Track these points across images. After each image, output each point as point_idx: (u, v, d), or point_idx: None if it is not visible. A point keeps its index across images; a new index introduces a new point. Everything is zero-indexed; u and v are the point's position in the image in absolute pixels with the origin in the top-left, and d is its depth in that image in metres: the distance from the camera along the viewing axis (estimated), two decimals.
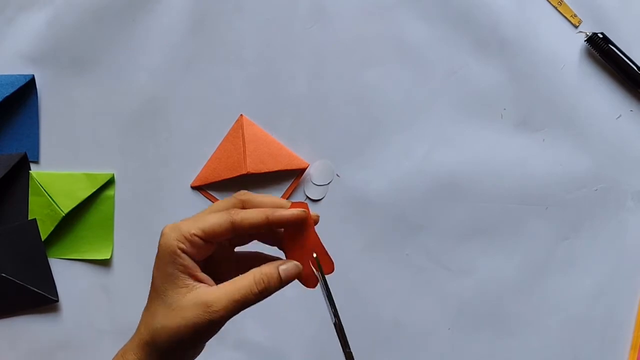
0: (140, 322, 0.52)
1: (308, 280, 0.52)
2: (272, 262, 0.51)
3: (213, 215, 0.50)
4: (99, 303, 0.76)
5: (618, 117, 0.74)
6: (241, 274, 0.53)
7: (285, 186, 0.76)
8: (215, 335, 0.76)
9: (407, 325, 0.75)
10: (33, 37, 0.75)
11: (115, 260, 0.76)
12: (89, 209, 0.76)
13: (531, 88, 0.74)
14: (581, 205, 0.74)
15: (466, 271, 0.75)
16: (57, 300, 0.76)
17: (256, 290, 0.49)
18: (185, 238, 0.49)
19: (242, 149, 0.74)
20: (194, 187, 0.76)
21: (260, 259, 0.54)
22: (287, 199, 0.75)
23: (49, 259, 0.76)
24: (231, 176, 0.74)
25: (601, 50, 0.73)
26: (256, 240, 0.55)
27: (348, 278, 0.75)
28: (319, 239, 0.52)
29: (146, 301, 0.52)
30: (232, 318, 0.76)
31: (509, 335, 0.74)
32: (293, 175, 0.76)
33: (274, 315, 0.75)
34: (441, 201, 0.75)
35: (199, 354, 0.53)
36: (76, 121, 0.76)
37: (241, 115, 0.75)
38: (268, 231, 0.53)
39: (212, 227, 0.50)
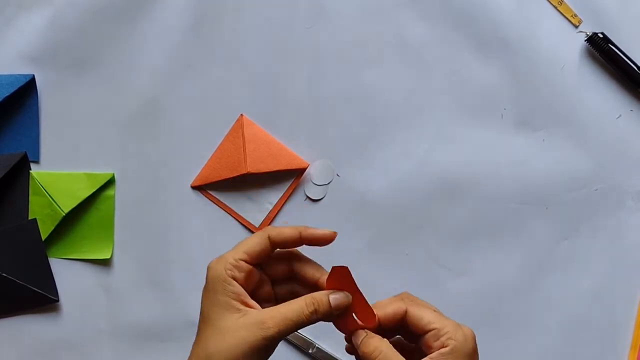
0: (190, 356, 0.52)
1: (347, 328, 0.53)
2: (322, 290, 0.53)
3: (250, 237, 0.53)
4: (99, 303, 0.76)
5: (618, 117, 0.74)
6: None
7: (286, 186, 0.76)
8: None
9: None
10: (33, 37, 0.75)
11: (115, 260, 0.77)
12: (89, 209, 0.76)
13: (531, 88, 0.74)
14: (581, 205, 0.74)
15: (466, 271, 0.75)
16: (58, 300, 0.76)
17: (307, 312, 0.51)
18: (233, 265, 0.51)
19: (242, 149, 0.74)
20: (194, 187, 0.76)
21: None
22: (287, 198, 0.76)
23: (49, 258, 0.76)
24: (231, 176, 0.74)
25: (601, 50, 0.73)
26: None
27: None
28: (362, 296, 0.53)
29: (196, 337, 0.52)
30: None
31: (509, 335, 0.74)
32: (293, 175, 0.76)
33: None
34: (441, 201, 0.75)
35: None
36: (76, 121, 0.76)
37: (241, 114, 0.75)
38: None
39: (253, 247, 0.52)
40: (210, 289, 0.51)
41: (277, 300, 0.56)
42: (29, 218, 0.75)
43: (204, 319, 0.52)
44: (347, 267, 0.52)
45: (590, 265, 0.74)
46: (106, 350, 0.76)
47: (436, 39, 0.74)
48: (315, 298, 0.51)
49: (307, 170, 0.75)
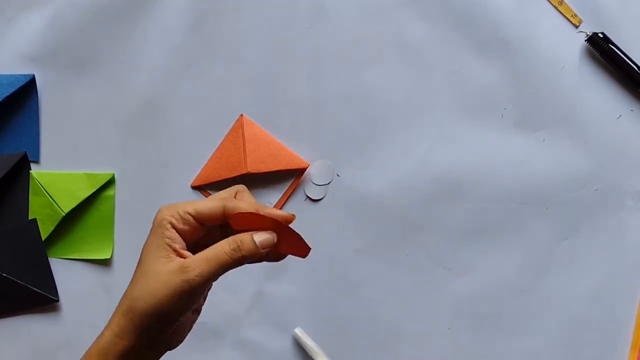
0: (122, 297, 0.52)
1: (299, 251, 0.53)
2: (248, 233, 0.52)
3: (209, 199, 0.53)
4: (100, 303, 0.76)
5: (618, 117, 0.74)
6: None
7: (286, 186, 0.76)
8: (215, 335, 0.77)
9: (407, 325, 0.75)
10: (33, 37, 0.75)
11: (115, 260, 0.77)
12: (89, 209, 0.76)
13: (531, 88, 0.74)
14: (581, 205, 0.74)
15: (466, 271, 0.75)
16: (58, 300, 0.76)
17: (228, 249, 0.50)
18: (179, 214, 0.51)
19: (243, 149, 0.74)
20: (194, 187, 0.76)
21: None
22: (287, 198, 0.76)
23: (49, 258, 0.76)
24: (231, 176, 0.74)
25: (601, 50, 0.73)
26: None
27: (348, 278, 0.75)
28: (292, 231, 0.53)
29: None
30: (230, 318, 0.76)
31: (509, 335, 0.74)
32: (293, 175, 0.76)
33: (274, 315, 0.75)
34: (441, 201, 0.75)
35: (181, 338, 0.53)
36: (76, 121, 0.76)
37: (241, 114, 0.75)
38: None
39: (205, 210, 0.51)
40: (151, 232, 0.51)
41: None
42: (29, 218, 0.75)
43: (139, 261, 0.52)
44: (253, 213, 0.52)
45: (590, 265, 0.74)
46: None
47: (436, 39, 0.74)
48: (237, 237, 0.51)
49: (307, 170, 0.75)
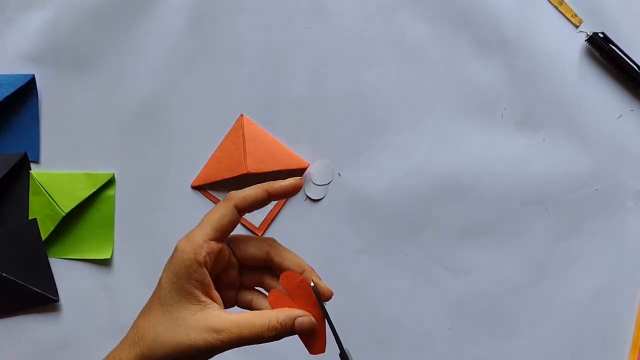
0: (135, 328, 0.52)
1: (313, 347, 0.53)
2: (290, 311, 0.51)
3: (215, 208, 0.52)
4: (100, 303, 0.76)
5: (619, 117, 0.74)
6: (244, 298, 0.55)
7: None
8: None
9: (407, 325, 0.75)
10: (33, 37, 0.75)
11: (115, 260, 0.77)
12: (90, 209, 0.76)
13: (531, 88, 0.74)
14: (581, 205, 0.74)
15: (466, 271, 0.75)
16: (58, 300, 0.76)
17: (266, 336, 0.50)
18: (202, 248, 0.50)
19: (243, 149, 0.74)
20: (194, 187, 0.76)
21: (267, 283, 0.55)
22: (287, 198, 0.76)
23: (49, 258, 0.76)
24: (231, 176, 0.74)
25: (602, 50, 0.73)
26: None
27: (348, 278, 0.75)
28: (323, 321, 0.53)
29: (145, 306, 0.52)
30: None
31: (509, 335, 0.75)
32: (293, 175, 0.76)
33: None
34: (441, 201, 0.75)
35: None
36: (76, 121, 0.76)
37: (241, 114, 0.75)
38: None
39: (220, 221, 0.51)
40: (174, 272, 0.50)
41: (240, 288, 0.55)
42: (29, 218, 0.75)
43: (161, 299, 0.50)
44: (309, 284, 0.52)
45: (590, 265, 0.74)
46: (106, 351, 0.76)
47: (436, 39, 0.74)
48: (280, 323, 0.50)
49: (307, 170, 0.75)
